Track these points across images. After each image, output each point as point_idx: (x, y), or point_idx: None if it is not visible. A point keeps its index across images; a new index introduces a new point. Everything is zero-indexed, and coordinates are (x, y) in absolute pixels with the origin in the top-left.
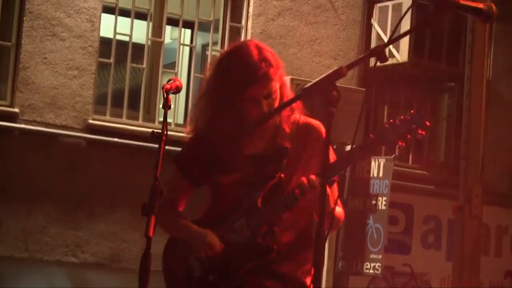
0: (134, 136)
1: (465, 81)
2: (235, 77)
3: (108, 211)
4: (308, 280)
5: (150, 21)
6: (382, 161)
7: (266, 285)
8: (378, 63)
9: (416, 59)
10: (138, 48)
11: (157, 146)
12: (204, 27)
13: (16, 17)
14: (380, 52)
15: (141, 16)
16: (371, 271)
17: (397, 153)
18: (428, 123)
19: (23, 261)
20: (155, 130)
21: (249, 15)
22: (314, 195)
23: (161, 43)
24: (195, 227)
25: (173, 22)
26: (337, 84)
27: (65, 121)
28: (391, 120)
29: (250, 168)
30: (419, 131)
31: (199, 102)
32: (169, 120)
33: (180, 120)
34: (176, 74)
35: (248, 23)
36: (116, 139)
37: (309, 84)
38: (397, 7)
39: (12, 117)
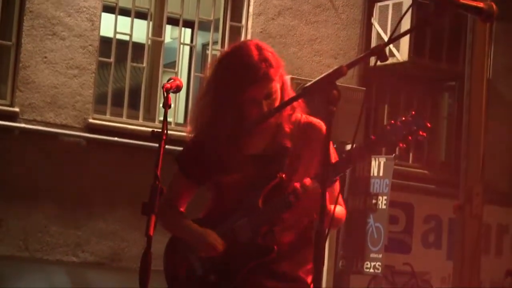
0: (134, 135)
1: (465, 80)
2: (235, 77)
3: (108, 210)
4: (309, 279)
5: (150, 20)
6: (383, 160)
7: (266, 285)
8: (379, 62)
9: (417, 58)
10: (138, 47)
11: (157, 145)
12: (204, 26)
13: (16, 16)
14: (380, 51)
15: (141, 15)
16: (372, 270)
17: (397, 152)
18: (429, 125)
19: (23, 260)
20: (155, 129)
21: (249, 14)
22: (310, 199)
23: (161, 42)
24: (196, 226)
25: (173, 22)
26: (337, 83)
27: (65, 120)
28: (392, 121)
29: (251, 168)
30: (420, 133)
31: (199, 102)
32: (169, 119)
33: (181, 119)
34: (176, 73)
35: (248, 22)
36: (116, 138)
37: (309, 83)
38: (397, 6)
39: (12, 116)
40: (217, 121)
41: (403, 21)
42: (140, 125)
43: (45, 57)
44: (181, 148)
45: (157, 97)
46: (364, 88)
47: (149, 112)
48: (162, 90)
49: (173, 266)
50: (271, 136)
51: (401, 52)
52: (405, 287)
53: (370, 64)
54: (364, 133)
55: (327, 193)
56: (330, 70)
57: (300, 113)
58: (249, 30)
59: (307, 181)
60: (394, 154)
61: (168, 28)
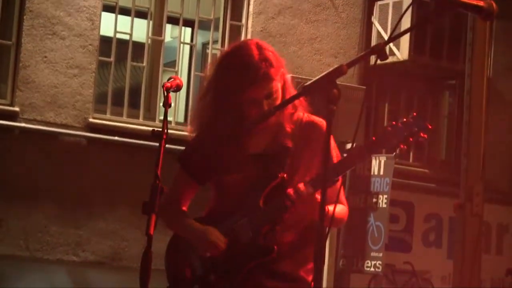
0: (134, 135)
1: (465, 79)
2: (236, 77)
3: (109, 209)
4: (311, 278)
5: (151, 19)
6: (383, 159)
7: (267, 285)
8: (379, 61)
9: (417, 57)
10: (138, 46)
11: (157, 144)
12: (205, 25)
13: (16, 16)
14: (380, 50)
15: (141, 14)
16: (372, 269)
17: (398, 151)
18: (430, 126)
19: (23, 260)
20: (156, 129)
21: (249, 13)
22: (304, 203)
23: (162, 41)
24: (198, 225)
25: (174, 21)
26: (338, 82)
27: (66, 120)
28: (393, 123)
29: (252, 168)
30: (421, 134)
31: (200, 102)
32: (169, 118)
33: (181, 119)
34: (176, 72)
35: (249, 21)
36: (116, 138)
37: (309, 82)
38: (397, 5)
39: (13, 116)
40: (217, 121)
41: (403, 19)
42: (140, 125)
43: (45, 57)
44: (181, 147)
45: (157, 96)
46: (364, 87)
47: (149, 111)
48: (162, 89)
49: (175, 265)
50: (272, 135)
51: (401, 51)
52: (405, 286)
53: (371, 63)
54: (365, 132)
55: (328, 193)
56: (330, 69)
57: (302, 112)
58: (249, 29)
59: (301, 186)
60: (394, 153)
61: (168, 27)
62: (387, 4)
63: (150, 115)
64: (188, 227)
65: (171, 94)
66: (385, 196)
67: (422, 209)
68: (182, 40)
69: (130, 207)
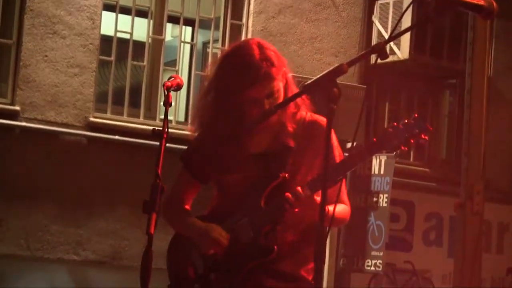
0: (135, 134)
1: (466, 78)
2: (236, 77)
3: (109, 208)
4: (311, 278)
5: (151, 18)
6: (383, 158)
7: (267, 285)
8: (379, 60)
9: (417, 56)
10: (138, 45)
11: (158, 143)
12: (205, 24)
13: (17, 15)
14: (381, 49)
15: (141, 13)
16: (373, 268)
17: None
18: (430, 128)
19: (24, 259)
20: (156, 128)
21: (249, 12)
22: (303, 206)
23: (162, 40)
24: (200, 222)
25: (174, 20)
26: (338, 81)
27: (66, 119)
28: (394, 124)
29: (253, 168)
30: (422, 136)
31: (201, 102)
32: (170, 117)
33: (181, 118)
34: (177, 71)
35: (249, 20)
36: (117, 137)
37: (309, 81)
38: (398, 4)
39: (13, 115)
40: (218, 121)
41: (403, 19)
42: (140, 124)
43: (46, 56)
44: (182, 147)
45: (157, 95)
46: (365, 86)
47: (149, 111)
48: (162, 88)
49: (177, 264)
50: (274, 135)
51: (401, 50)
52: (406, 285)
53: (371, 62)
54: (365, 131)
55: (329, 194)
56: (331, 68)
57: (305, 111)
58: (250, 28)
59: (299, 189)
60: (394, 153)
61: (169, 26)
62: (388, 3)
63: (150, 114)
64: (191, 225)
65: (172, 93)
66: (386, 195)
67: (422, 208)
68: (182, 39)
69: (131, 206)
